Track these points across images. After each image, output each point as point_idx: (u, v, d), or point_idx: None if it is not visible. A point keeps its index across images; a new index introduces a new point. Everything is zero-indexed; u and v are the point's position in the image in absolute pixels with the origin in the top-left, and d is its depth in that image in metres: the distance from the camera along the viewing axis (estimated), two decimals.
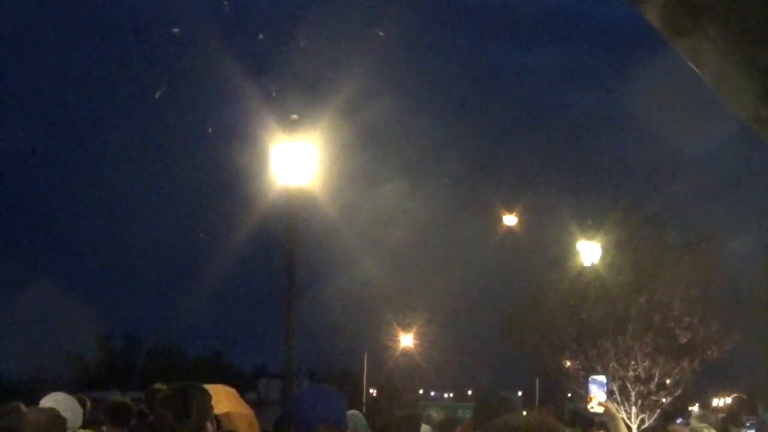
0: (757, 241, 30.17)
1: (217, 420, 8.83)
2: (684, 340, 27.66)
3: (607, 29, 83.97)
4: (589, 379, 5.23)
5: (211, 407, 4.84)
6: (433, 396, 63.83)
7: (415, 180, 61.36)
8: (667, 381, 28.23)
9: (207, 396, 4.85)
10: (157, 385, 10.16)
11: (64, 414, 5.83)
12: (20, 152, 59.73)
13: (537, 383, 43.10)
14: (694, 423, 9.40)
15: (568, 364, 29.75)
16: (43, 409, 5.85)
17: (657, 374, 27.83)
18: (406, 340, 52.96)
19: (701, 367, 28.43)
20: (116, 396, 9.43)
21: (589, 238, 25.73)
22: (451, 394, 67.15)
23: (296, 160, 11.56)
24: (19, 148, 59.40)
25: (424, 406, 22.55)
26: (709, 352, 27.76)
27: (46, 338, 49.96)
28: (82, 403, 7.44)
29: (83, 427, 6.92)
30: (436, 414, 10.89)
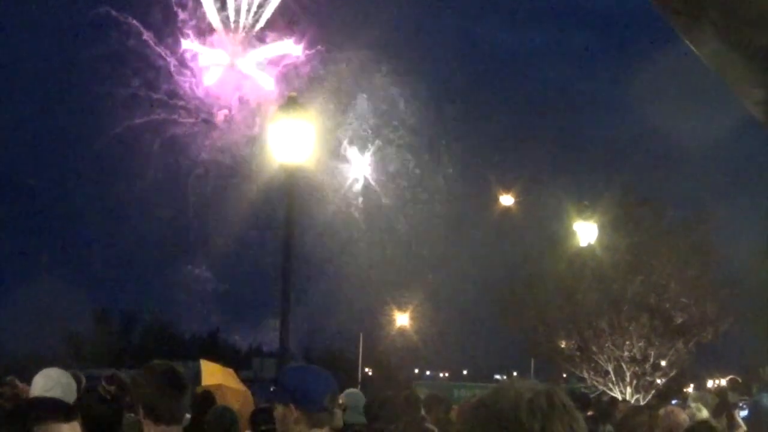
0: (752, 223, 30.17)
1: (210, 395, 8.94)
2: (679, 321, 27.72)
3: (602, 11, 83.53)
4: None
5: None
6: (428, 375, 63.97)
7: (410, 160, 61.31)
8: (662, 362, 28.31)
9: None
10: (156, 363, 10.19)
11: (55, 389, 5.85)
12: (17, 129, 59.55)
13: (532, 363, 43.16)
14: (691, 403, 9.45)
15: (564, 344, 29.82)
16: None
17: (652, 355, 27.90)
18: (402, 319, 53.12)
19: (696, 348, 28.50)
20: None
21: (585, 219, 25.70)
22: (447, 374, 67.28)
23: (294, 138, 11.46)
24: (16, 124, 59.23)
25: (415, 386, 22.53)
26: (704, 334, 27.81)
27: (42, 315, 49.99)
28: (77, 380, 7.47)
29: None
30: (421, 394, 10.96)
